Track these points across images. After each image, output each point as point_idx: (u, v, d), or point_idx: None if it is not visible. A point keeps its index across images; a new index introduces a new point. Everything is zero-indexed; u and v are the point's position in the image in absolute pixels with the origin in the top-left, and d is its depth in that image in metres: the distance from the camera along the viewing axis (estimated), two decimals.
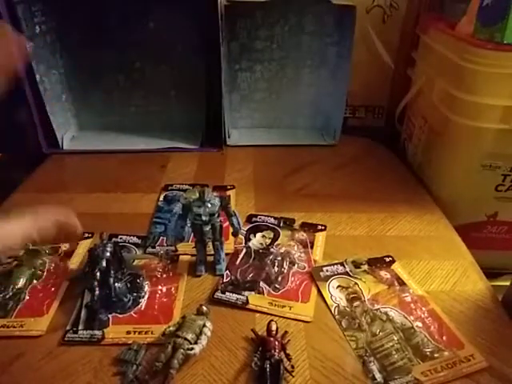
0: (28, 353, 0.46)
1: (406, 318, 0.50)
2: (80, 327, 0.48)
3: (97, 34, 0.86)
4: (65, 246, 0.61)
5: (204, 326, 0.47)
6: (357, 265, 0.58)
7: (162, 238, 0.63)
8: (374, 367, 0.44)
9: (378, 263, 0.58)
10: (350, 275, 0.56)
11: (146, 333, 0.48)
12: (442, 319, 0.50)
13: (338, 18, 0.87)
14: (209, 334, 0.46)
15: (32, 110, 0.82)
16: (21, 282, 0.54)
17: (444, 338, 0.48)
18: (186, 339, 0.44)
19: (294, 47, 0.91)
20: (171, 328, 0.47)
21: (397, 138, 0.97)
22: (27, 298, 0.53)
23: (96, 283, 0.51)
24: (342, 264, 0.58)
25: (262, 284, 0.55)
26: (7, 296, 0.53)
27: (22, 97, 0.80)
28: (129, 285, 0.53)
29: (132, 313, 0.51)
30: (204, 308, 0.49)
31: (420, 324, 0.49)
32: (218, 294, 0.53)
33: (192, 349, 0.44)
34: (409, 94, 0.88)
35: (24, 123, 0.84)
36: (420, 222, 0.68)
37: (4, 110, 0.83)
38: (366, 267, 0.57)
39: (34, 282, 0.55)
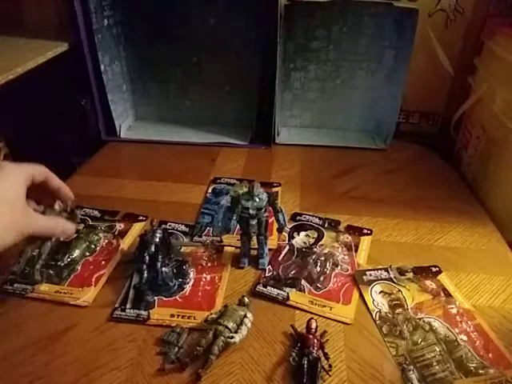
0: (80, 325, 0.49)
1: (449, 330, 0.49)
2: (128, 306, 0.51)
3: (159, 28, 0.90)
4: (120, 226, 0.64)
5: (245, 316, 0.48)
6: (402, 272, 0.57)
7: (208, 228, 0.65)
8: (413, 376, 0.44)
9: (423, 272, 0.57)
10: (393, 282, 0.55)
11: (188, 317, 0.50)
12: (488, 335, 0.48)
13: (398, 21, 0.85)
14: (249, 324, 0.47)
15: (95, 99, 0.87)
16: (76, 253, 0.58)
17: (490, 355, 0.46)
18: (227, 327, 0.46)
19: (350, 49, 0.90)
20: (213, 315, 0.48)
21: (451, 146, 0.94)
22: (79, 269, 0.57)
23: (144, 266, 0.54)
24: (386, 270, 0.57)
25: (303, 282, 0.55)
26: (63, 264, 0.57)
27: (87, 86, 0.85)
28: (175, 270, 0.55)
29: (177, 297, 0.53)
30: (246, 299, 0.50)
31: (465, 338, 0.48)
32: (260, 288, 0.54)
33: (232, 337, 0.45)
34: (468, 101, 0.85)
35: (86, 111, 0.89)
36: (471, 234, 0.66)
37: (70, 98, 0.88)
38: (411, 275, 0.56)
39: (87, 254, 0.59)
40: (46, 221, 0.49)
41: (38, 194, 0.51)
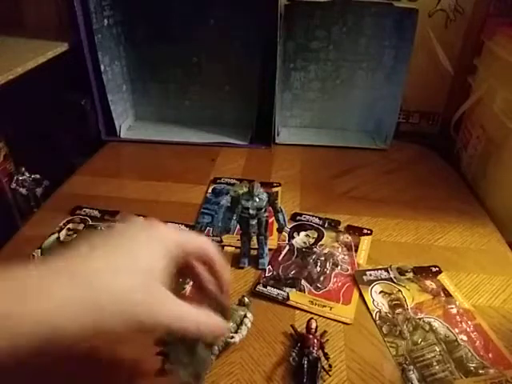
0: None
1: (449, 330, 0.49)
2: None
3: (159, 28, 0.90)
4: None
5: (245, 316, 0.48)
6: (402, 272, 0.57)
7: (208, 228, 0.65)
8: (413, 376, 0.44)
9: (423, 272, 0.57)
10: (393, 282, 0.55)
11: None
12: (488, 335, 0.48)
13: (398, 21, 0.85)
14: (249, 324, 0.47)
15: (95, 99, 0.87)
16: None
17: (490, 355, 0.46)
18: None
19: (350, 49, 0.90)
20: None
21: (451, 146, 0.94)
22: None
23: None
24: (386, 270, 0.57)
25: (303, 282, 0.55)
26: None
27: (87, 86, 0.85)
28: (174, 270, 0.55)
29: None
30: (246, 299, 0.50)
31: (465, 338, 0.48)
32: (260, 288, 0.54)
33: (232, 337, 0.45)
34: (468, 101, 0.85)
35: (86, 111, 0.89)
36: (471, 234, 0.66)
37: (70, 98, 0.88)
38: (411, 275, 0.56)
39: None
40: (184, 311, 0.34)
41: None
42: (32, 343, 0.26)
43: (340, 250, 0.61)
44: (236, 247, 0.60)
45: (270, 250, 0.60)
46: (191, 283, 0.54)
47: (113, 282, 0.30)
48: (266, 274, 0.56)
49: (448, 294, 0.54)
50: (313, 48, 0.90)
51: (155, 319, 0.31)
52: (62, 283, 0.28)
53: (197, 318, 0.34)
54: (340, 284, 0.55)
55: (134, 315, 0.30)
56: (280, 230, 0.59)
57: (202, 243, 0.36)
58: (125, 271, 0.30)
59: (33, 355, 0.26)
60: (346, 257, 0.60)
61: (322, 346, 0.45)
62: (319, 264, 0.58)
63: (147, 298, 0.31)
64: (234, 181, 0.77)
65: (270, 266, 0.58)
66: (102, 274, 0.29)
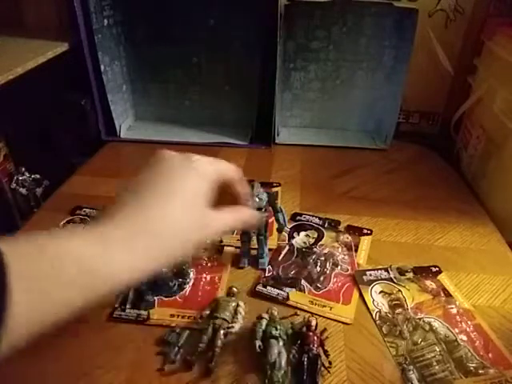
0: (79, 325, 0.49)
1: (449, 330, 0.49)
2: (128, 306, 0.51)
3: (159, 28, 0.90)
4: None
5: (238, 305, 0.49)
6: (402, 272, 0.57)
7: None
8: (413, 376, 0.44)
9: (423, 272, 0.57)
10: (393, 282, 0.55)
11: (188, 317, 0.50)
12: (488, 335, 0.48)
13: (398, 21, 0.85)
14: (243, 313, 0.49)
15: (95, 99, 0.87)
16: None
17: (490, 355, 0.46)
18: (224, 319, 0.47)
19: (350, 49, 0.90)
20: (206, 311, 0.49)
21: (451, 146, 0.94)
22: None
23: None
24: (386, 270, 0.57)
25: (303, 282, 0.55)
26: None
27: (87, 86, 0.85)
28: (175, 270, 0.55)
29: (177, 297, 0.53)
30: (234, 289, 0.52)
31: (464, 338, 0.48)
32: (260, 288, 0.54)
33: (232, 327, 0.47)
34: (468, 101, 0.85)
35: (86, 111, 0.89)
36: (471, 233, 0.66)
37: (70, 98, 0.88)
38: (411, 275, 0.56)
39: None
40: (228, 218, 0.40)
41: None
42: (105, 297, 0.30)
43: (340, 249, 0.61)
44: (236, 247, 0.60)
45: (270, 249, 0.60)
46: (191, 283, 0.55)
47: (171, 226, 0.34)
48: (266, 274, 0.56)
49: (448, 294, 0.54)
50: (313, 48, 0.90)
51: (208, 237, 0.38)
52: (133, 238, 0.32)
53: (234, 218, 0.41)
54: (340, 284, 0.55)
55: (192, 244, 0.36)
56: (280, 230, 0.59)
57: (232, 172, 0.42)
58: (178, 213, 0.35)
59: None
60: (346, 257, 0.60)
61: (321, 344, 0.45)
62: (319, 264, 0.58)
63: (200, 228, 0.37)
64: None
65: (269, 266, 0.58)
66: (160, 222, 0.34)
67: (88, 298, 0.29)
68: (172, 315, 0.50)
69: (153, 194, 0.35)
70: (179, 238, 0.35)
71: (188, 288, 0.54)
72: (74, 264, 0.29)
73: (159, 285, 0.53)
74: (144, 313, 0.50)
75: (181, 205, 0.35)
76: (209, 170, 0.39)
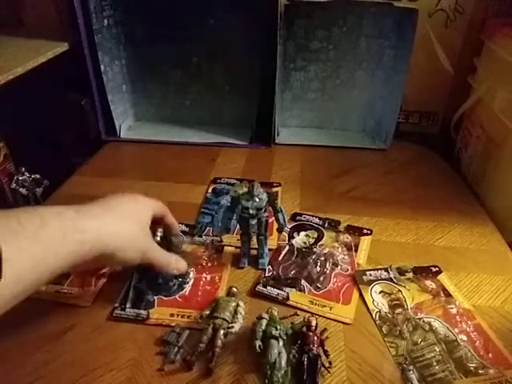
0: (80, 325, 0.49)
1: (449, 330, 0.49)
2: (127, 305, 0.51)
3: (159, 28, 0.89)
4: None
5: (238, 305, 0.49)
6: (401, 272, 0.57)
7: (208, 228, 0.65)
8: (413, 376, 0.44)
9: (423, 272, 0.57)
10: (393, 282, 0.55)
11: (188, 317, 0.50)
12: (488, 335, 0.48)
13: (397, 21, 0.85)
14: (243, 312, 0.49)
15: (95, 99, 0.87)
16: None
17: (490, 355, 0.46)
18: (224, 319, 0.47)
19: (350, 49, 0.90)
20: (206, 311, 0.49)
21: (451, 146, 0.94)
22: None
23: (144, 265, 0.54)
24: (386, 270, 0.57)
25: (303, 282, 0.55)
26: None
27: (87, 86, 0.85)
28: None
29: (177, 297, 0.53)
30: (234, 289, 0.52)
31: (464, 338, 0.48)
32: (260, 288, 0.54)
33: (232, 327, 0.47)
34: (468, 101, 0.85)
35: (86, 111, 0.89)
36: (471, 233, 0.66)
37: (70, 98, 0.88)
38: (410, 275, 0.56)
39: None
40: (163, 253, 0.52)
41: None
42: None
43: (340, 250, 0.61)
44: (236, 247, 0.60)
45: (269, 249, 0.60)
46: (191, 282, 0.55)
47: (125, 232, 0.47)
48: (266, 274, 0.56)
49: (448, 294, 0.54)
50: (313, 48, 0.90)
51: (152, 259, 0.50)
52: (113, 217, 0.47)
53: (171, 260, 0.53)
54: (340, 284, 0.55)
55: (139, 253, 0.48)
56: (280, 230, 0.59)
57: (165, 209, 0.55)
58: (131, 229, 0.48)
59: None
60: (346, 257, 0.60)
61: (322, 344, 0.45)
62: (319, 264, 0.58)
63: (146, 242, 0.50)
64: (234, 181, 0.77)
65: (269, 266, 0.58)
66: (123, 214, 0.48)
67: (67, 257, 0.40)
68: (172, 315, 0.50)
69: (116, 204, 0.49)
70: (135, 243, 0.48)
71: (188, 288, 0.54)
72: (54, 216, 0.40)
73: (159, 284, 0.53)
74: (144, 312, 0.50)
75: (137, 221, 0.49)
76: (152, 202, 0.53)
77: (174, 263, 0.53)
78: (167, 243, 0.57)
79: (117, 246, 0.45)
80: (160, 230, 0.56)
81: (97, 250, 0.42)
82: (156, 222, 0.54)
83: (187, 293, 0.53)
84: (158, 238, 0.55)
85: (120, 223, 0.46)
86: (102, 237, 0.43)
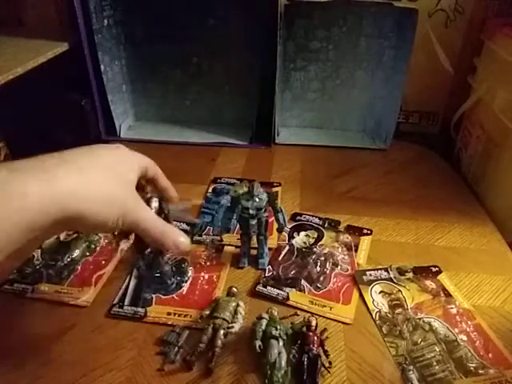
0: (79, 325, 0.49)
1: (449, 330, 0.49)
2: (126, 303, 0.51)
3: (159, 28, 0.89)
4: None
5: (238, 305, 0.49)
6: (401, 272, 0.57)
7: (208, 227, 0.65)
8: (413, 376, 0.44)
9: (423, 272, 0.57)
10: (393, 282, 0.55)
11: (185, 316, 0.50)
12: (488, 335, 0.48)
13: (398, 21, 0.85)
14: (243, 312, 0.49)
15: (95, 99, 0.87)
16: (76, 253, 0.59)
17: (490, 355, 0.46)
18: (224, 319, 0.47)
19: (350, 49, 0.90)
20: (206, 311, 0.49)
21: (451, 146, 0.94)
22: (79, 269, 0.57)
23: (144, 264, 0.54)
24: (386, 270, 0.57)
25: (303, 282, 0.55)
26: (62, 264, 0.57)
27: (87, 86, 0.85)
28: (174, 268, 0.56)
29: (174, 295, 0.53)
30: (234, 289, 0.52)
31: (464, 338, 0.48)
32: (260, 288, 0.54)
33: (232, 327, 0.47)
34: (468, 101, 0.85)
35: (86, 111, 0.89)
36: (471, 234, 0.66)
37: (70, 98, 0.88)
38: (410, 275, 0.56)
39: (87, 254, 0.59)
40: (157, 221, 0.40)
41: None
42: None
43: (340, 250, 0.61)
44: (236, 247, 0.60)
45: (269, 249, 0.60)
46: (189, 282, 0.55)
47: (102, 189, 0.36)
48: (266, 274, 0.56)
49: (448, 294, 0.54)
50: (313, 48, 0.90)
51: (139, 225, 0.39)
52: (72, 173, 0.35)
53: (170, 233, 0.41)
54: (340, 284, 0.55)
55: (120, 212, 0.37)
56: (280, 230, 0.59)
57: (157, 168, 0.46)
58: (103, 185, 0.37)
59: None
60: (346, 257, 0.60)
61: (322, 344, 0.45)
62: (319, 264, 0.58)
63: (129, 201, 0.38)
64: (234, 181, 0.77)
65: (269, 266, 0.58)
66: (89, 166, 0.37)
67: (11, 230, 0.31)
68: (169, 313, 0.50)
69: (85, 153, 0.39)
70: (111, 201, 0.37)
71: (186, 286, 0.54)
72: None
73: (158, 282, 0.54)
74: (141, 310, 0.50)
75: (114, 176, 0.38)
76: (140, 156, 0.43)
77: (171, 234, 0.41)
78: (165, 216, 0.47)
79: (81, 207, 0.34)
80: (155, 198, 0.46)
81: (55, 215, 0.33)
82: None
83: (185, 291, 0.53)
84: (153, 209, 0.45)
85: (85, 178, 0.35)
86: (55, 198, 0.33)
